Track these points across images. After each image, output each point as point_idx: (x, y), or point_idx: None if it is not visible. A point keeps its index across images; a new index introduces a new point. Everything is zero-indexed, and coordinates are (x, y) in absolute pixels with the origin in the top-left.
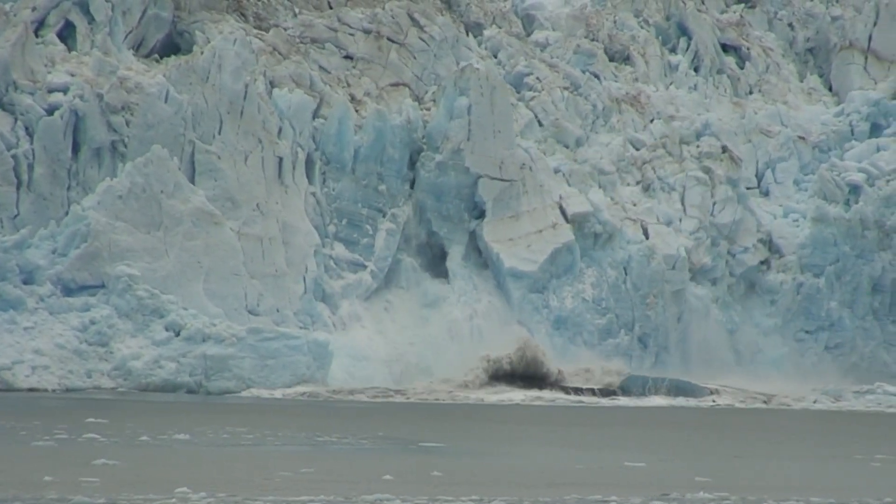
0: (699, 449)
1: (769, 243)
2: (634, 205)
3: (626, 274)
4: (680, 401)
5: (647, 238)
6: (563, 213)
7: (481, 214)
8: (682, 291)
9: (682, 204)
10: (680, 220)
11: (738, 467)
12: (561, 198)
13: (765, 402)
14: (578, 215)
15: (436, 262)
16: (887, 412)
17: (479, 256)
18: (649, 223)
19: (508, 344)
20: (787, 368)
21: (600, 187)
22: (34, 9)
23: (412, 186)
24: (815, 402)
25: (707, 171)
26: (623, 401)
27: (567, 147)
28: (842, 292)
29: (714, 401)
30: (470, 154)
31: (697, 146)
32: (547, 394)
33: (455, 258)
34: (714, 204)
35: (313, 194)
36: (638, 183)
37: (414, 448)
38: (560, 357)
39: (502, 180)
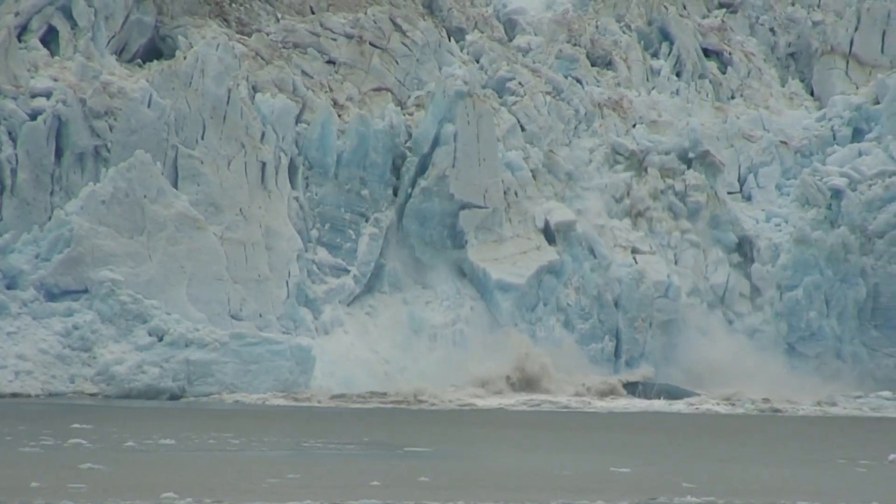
0: (686, 454)
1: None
2: (625, 234)
3: (615, 302)
4: (674, 405)
5: (636, 263)
6: (548, 226)
7: (464, 243)
8: (675, 322)
9: (676, 265)
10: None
11: (724, 472)
12: (547, 212)
13: (756, 405)
14: (563, 224)
15: (419, 269)
16: (874, 416)
17: (464, 276)
18: (640, 251)
19: (499, 351)
20: (779, 382)
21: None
22: (17, 14)
23: (395, 193)
24: (817, 403)
25: (695, 212)
26: (611, 404)
27: (559, 179)
28: (820, 303)
29: (711, 404)
30: (455, 181)
31: (683, 180)
32: (534, 396)
33: (437, 280)
34: (707, 266)
35: (296, 199)
36: (633, 229)
37: (400, 453)
38: None
39: (485, 208)
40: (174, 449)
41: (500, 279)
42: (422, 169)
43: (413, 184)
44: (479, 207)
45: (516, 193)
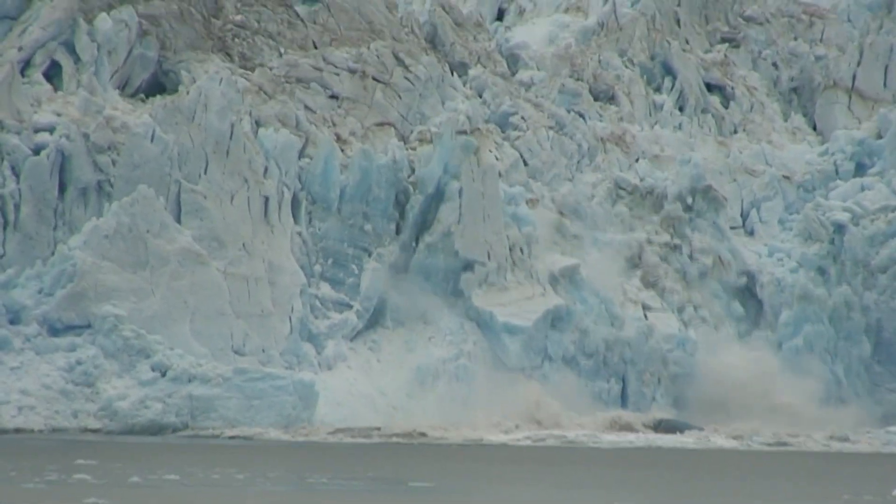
0: (690, 489)
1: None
2: (638, 291)
3: (624, 360)
4: (681, 440)
5: (647, 319)
6: (553, 276)
7: (468, 296)
8: (689, 377)
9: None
10: None
11: None
12: (551, 264)
13: (763, 440)
14: (567, 269)
15: (421, 304)
16: (884, 452)
17: (470, 321)
18: (651, 309)
19: (508, 395)
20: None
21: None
22: (20, 48)
23: (398, 231)
24: (829, 438)
25: (704, 274)
26: (617, 439)
27: (566, 238)
28: (822, 351)
29: (720, 439)
30: (460, 238)
31: (690, 242)
32: (539, 431)
33: (440, 315)
34: (718, 341)
35: (299, 234)
36: (645, 288)
37: (404, 488)
38: None
39: (490, 263)
40: (179, 484)
41: (506, 322)
42: (425, 211)
43: (417, 226)
44: (483, 265)
45: (522, 250)
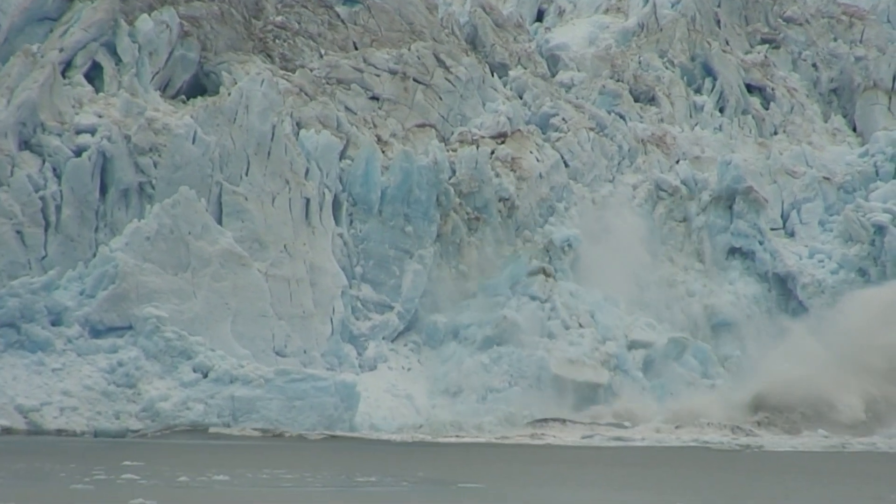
0: (743, 490)
1: None
2: None
3: None
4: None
5: None
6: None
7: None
8: None
9: None
10: None
11: None
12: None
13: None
14: (638, 342)
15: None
16: None
17: None
18: None
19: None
20: None
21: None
22: (61, 50)
23: (439, 234)
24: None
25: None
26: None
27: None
28: None
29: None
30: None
31: None
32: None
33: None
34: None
35: (340, 235)
36: None
37: (454, 489)
38: None
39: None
40: (228, 485)
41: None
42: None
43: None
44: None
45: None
